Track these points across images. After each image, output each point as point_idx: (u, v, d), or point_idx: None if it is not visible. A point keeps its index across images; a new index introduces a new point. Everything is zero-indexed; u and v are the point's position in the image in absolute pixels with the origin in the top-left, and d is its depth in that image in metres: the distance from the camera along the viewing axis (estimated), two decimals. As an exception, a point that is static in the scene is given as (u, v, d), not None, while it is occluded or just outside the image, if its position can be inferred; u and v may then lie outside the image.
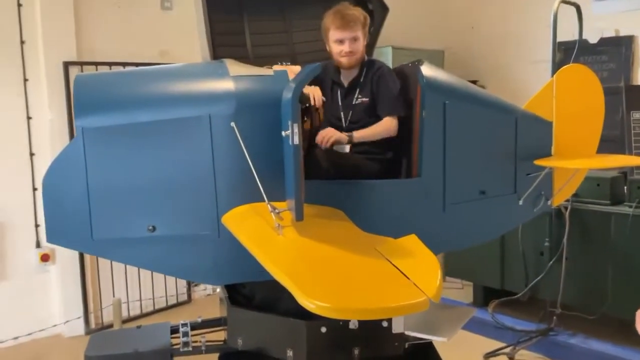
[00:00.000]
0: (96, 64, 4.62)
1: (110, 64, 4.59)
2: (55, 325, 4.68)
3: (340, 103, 2.81)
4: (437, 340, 2.53)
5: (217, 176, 2.33)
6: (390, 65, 2.97)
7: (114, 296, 4.75)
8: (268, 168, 2.22)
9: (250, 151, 2.23)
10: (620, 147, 4.60)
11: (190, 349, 2.61)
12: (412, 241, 1.88)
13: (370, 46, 3.37)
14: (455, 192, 2.68)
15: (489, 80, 7.15)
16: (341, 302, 1.37)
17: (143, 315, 5.05)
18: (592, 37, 5.77)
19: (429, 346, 2.65)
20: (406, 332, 2.48)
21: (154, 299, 5.10)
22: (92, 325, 4.82)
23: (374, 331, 2.43)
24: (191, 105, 2.31)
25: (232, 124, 2.26)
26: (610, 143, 5.09)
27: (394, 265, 1.62)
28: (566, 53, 5.60)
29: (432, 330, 2.49)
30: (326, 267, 1.64)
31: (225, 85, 2.34)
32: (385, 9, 3.36)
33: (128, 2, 4.94)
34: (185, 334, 2.72)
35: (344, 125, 2.78)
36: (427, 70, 2.64)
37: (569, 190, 3.22)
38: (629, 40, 5.57)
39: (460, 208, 2.72)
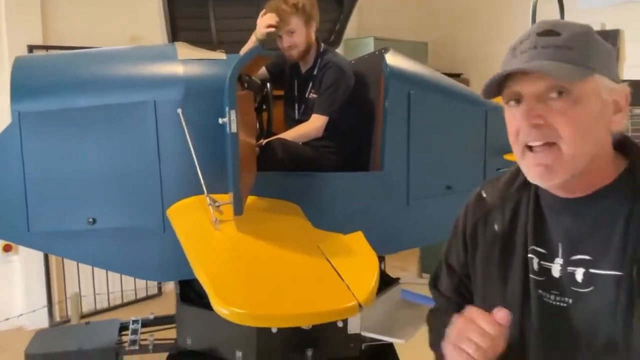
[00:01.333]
0: (63, 48, 4.45)
1: (78, 49, 4.42)
2: (20, 315, 4.53)
3: (296, 94, 2.69)
4: (395, 342, 2.41)
5: (163, 166, 2.19)
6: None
7: (79, 288, 4.62)
8: (217, 158, 2.08)
9: (198, 140, 2.10)
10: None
11: (137, 347, 2.48)
12: (357, 239, 1.75)
13: (338, 33, 3.24)
14: (420, 187, 2.56)
15: (473, 73, 7.03)
16: (260, 309, 1.24)
17: (111, 309, 4.90)
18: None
19: (388, 347, 2.53)
20: (362, 333, 2.36)
21: (122, 291, 4.95)
22: (57, 318, 4.68)
23: (328, 332, 2.31)
24: (135, 90, 2.17)
25: (179, 110, 2.12)
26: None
27: (332, 265, 1.49)
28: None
29: (390, 331, 2.38)
30: (254, 268, 1.51)
31: (173, 69, 2.20)
32: (355, -4, 3.22)
33: (97, -16, 4.77)
34: (135, 332, 2.60)
35: (296, 117, 2.66)
36: (391, 58, 2.51)
37: (541, 186, 3.10)
38: (614, 34, 5.44)
39: (426, 203, 2.60)
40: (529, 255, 1.06)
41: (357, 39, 6.32)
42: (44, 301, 4.58)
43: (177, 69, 2.19)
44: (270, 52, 2.44)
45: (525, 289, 1.05)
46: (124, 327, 2.68)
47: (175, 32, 3.13)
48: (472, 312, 0.97)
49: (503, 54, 1.07)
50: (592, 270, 0.98)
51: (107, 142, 2.17)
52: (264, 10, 2.58)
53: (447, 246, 1.26)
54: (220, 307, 1.19)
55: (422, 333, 2.66)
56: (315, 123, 2.53)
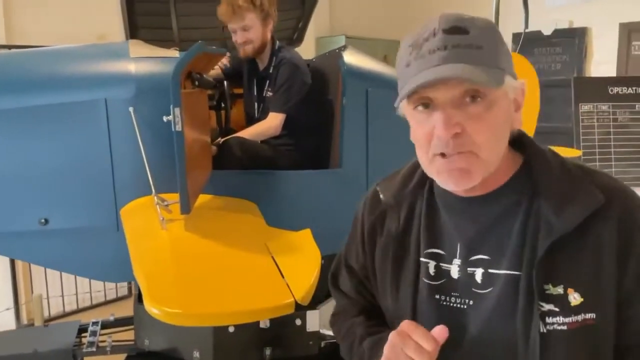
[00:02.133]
0: (27, 47, 4.37)
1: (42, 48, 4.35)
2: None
3: (255, 93, 2.67)
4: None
5: (115, 165, 2.17)
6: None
7: (47, 289, 4.55)
8: (170, 157, 2.06)
9: (150, 138, 2.08)
10: (571, 140, 4.55)
11: (95, 349, 2.45)
12: (304, 237, 1.75)
13: (301, 30, 3.23)
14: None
15: (447, 71, 7.07)
16: (193, 307, 1.23)
17: (80, 311, 4.83)
18: (546, 29, 5.70)
19: (348, 345, 2.52)
20: (322, 331, 2.36)
21: (91, 292, 4.89)
22: (24, 321, 4.60)
23: (286, 330, 2.30)
24: (86, 88, 2.14)
25: (130, 108, 2.10)
26: (563, 136, 5.06)
27: (276, 263, 1.48)
28: (523, 45, 5.54)
29: (349, 329, 2.37)
30: (194, 266, 1.50)
31: (124, 67, 2.18)
32: (317, -7, 3.21)
33: (63, -18, 4.70)
34: (93, 333, 2.57)
35: (255, 115, 2.65)
36: (349, 56, 2.51)
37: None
38: (582, 32, 5.51)
39: (385, 200, 2.60)
40: (424, 259, 1.02)
41: (329, 37, 6.32)
42: (11, 303, 4.50)
43: (128, 67, 2.17)
44: (220, 49, 2.42)
45: (415, 293, 1.01)
46: (83, 329, 2.65)
47: (135, 30, 3.10)
48: (407, 326, 0.91)
49: None
50: (490, 271, 0.95)
51: (58, 141, 2.14)
52: (220, 6, 2.55)
53: (347, 244, 1.21)
54: (152, 307, 1.18)
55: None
56: (272, 121, 2.51)
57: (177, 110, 1.64)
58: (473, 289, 0.96)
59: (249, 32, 2.56)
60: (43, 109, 2.11)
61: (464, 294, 0.97)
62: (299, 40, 3.25)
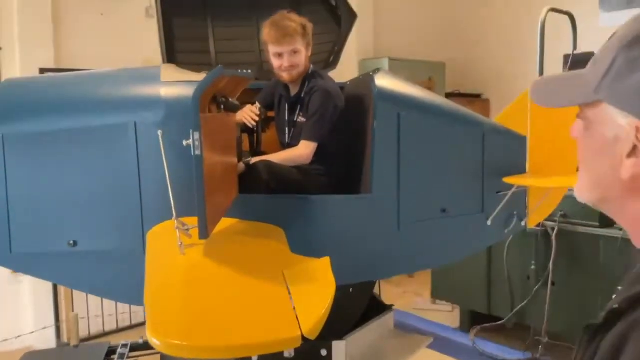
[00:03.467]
0: (74, 70, 4.52)
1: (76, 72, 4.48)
2: (18, 337, 4.54)
3: (286, 118, 2.65)
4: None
5: (144, 188, 2.17)
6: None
7: (87, 308, 4.62)
8: (196, 181, 2.05)
9: (179, 162, 2.08)
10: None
11: (121, 372, 2.45)
12: (322, 265, 1.69)
13: (336, 53, 3.20)
14: (412, 210, 2.48)
15: (493, 93, 6.91)
16: (195, 340, 1.18)
17: (119, 330, 4.89)
18: (598, 49, 5.50)
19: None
20: (348, 362, 2.28)
21: (130, 312, 4.94)
22: (65, 339, 4.68)
23: (311, 360, 2.23)
24: (116, 112, 2.17)
25: (159, 132, 2.10)
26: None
27: (289, 293, 1.43)
28: (574, 66, 5.37)
29: (377, 361, 2.29)
30: (204, 296, 1.46)
31: (154, 91, 2.20)
32: (353, 16, 3.18)
33: (111, 8, 4.84)
34: (122, 356, 2.57)
35: (286, 141, 2.62)
36: (381, 79, 2.46)
37: (546, 210, 2.98)
38: (635, 53, 5.28)
39: (418, 227, 2.51)
40: None
41: (373, 59, 6.28)
42: (52, 321, 4.59)
43: (158, 91, 2.18)
44: (246, 72, 2.41)
45: None
46: (112, 351, 2.65)
47: (173, 54, 3.14)
48: None
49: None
50: None
51: (88, 163, 2.17)
52: (265, 29, 2.53)
53: None
54: (152, 337, 1.14)
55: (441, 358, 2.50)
56: (304, 150, 2.48)
57: (197, 135, 1.62)
58: None
59: (297, 56, 2.55)
60: (74, 132, 2.14)
61: None
62: (334, 63, 3.22)
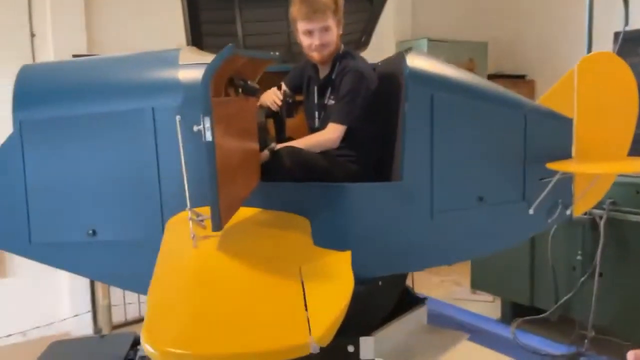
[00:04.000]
0: (107, 56, 4.49)
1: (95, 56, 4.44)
2: (64, 320, 4.59)
3: (315, 101, 2.51)
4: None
5: (163, 176, 2.09)
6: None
7: (124, 295, 4.63)
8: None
9: (198, 149, 1.98)
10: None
11: (145, 363, 2.39)
12: (342, 260, 1.56)
13: (369, 33, 3.06)
14: (446, 198, 2.33)
15: (539, 74, 6.61)
16: (192, 347, 1.08)
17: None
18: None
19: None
20: (376, 359, 2.16)
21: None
22: (101, 324, 4.71)
23: (338, 357, 2.12)
24: (133, 97, 2.09)
25: (177, 117, 2.01)
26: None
27: (304, 292, 1.31)
28: (625, 44, 5.05)
29: (408, 358, 2.16)
30: (210, 296, 1.35)
31: (172, 74, 2.10)
32: (385, -6, 3.02)
33: (144, -6, 4.79)
34: (147, 347, 2.51)
35: (315, 125, 2.49)
36: (412, 59, 2.30)
37: (593, 197, 2.77)
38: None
39: (453, 216, 2.36)
40: None
41: (411, 40, 6.07)
42: (89, 307, 4.62)
43: (176, 74, 2.09)
44: (265, 54, 2.29)
45: None
46: (138, 342, 2.61)
47: (200, 38, 3.05)
48: None
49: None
50: None
51: (106, 150, 2.10)
52: (294, 5, 2.40)
53: None
54: (147, 345, 1.04)
55: (481, 350, 2.36)
56: (331, 133, 2.35)
57: (207, 120, 1.51)
58: None
59: (328, 34, 2.40)
60: (91, 118, 2.07)
61: None
62: (366, 43, 3.08)
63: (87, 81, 2.16)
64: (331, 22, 2.39)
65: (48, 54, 4.39)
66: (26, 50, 4.36)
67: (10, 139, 2.13)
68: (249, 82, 1.96)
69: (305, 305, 1.23)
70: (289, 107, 2.62)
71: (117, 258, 2.14)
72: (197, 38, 3.02)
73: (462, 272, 5.11)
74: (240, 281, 1.41)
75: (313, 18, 2.35)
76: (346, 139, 2.39)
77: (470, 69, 5.69)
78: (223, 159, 1.61)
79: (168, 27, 4.86)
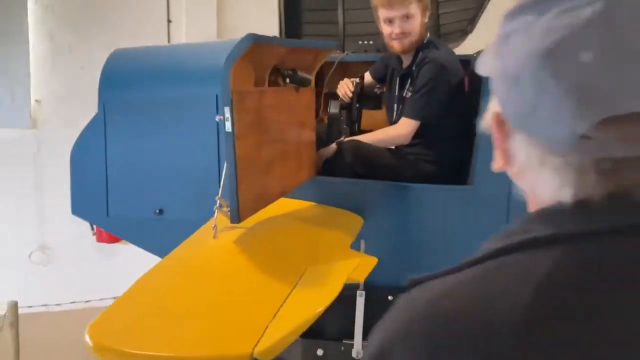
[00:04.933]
0: (235, 41, 4.67)
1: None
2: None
3: (396, 93, 2.37)
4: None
5: (222, 161, 2.12)
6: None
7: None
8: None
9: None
10: None
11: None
12: (349, 267, 1.45)
13: (472, 21, 2.83)
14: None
15: None
16: (129, 345, 1.06)
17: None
18: None
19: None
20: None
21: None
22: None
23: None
24: (202, 83, 2.14)
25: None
26: None
27: (286, 299, 1.24)
28: None
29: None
30: (186, 293, 1.32)
31: (237, 62, 2.11)
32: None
33: (274, -20, 4.90)
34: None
35: (394, 118, 2.35)
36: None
37: None
38: None
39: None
40: None
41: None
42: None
43: (241, 62, 2.09)
44: (319, 42, 2.20)
45: None
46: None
47: (299, 26, 3.04)
48: None
49: None
50: None
51: (174, 133, 2.19)
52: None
53: None
54: (87, 337, 1.05)
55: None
56: (402, 128, 2.21)
57: (227, 110, 1.49)
58: None
59: (409, 22, 2.25)
60: (164, 101, 2.17)
61: None
62: (471, 32, 2.86)
63: (165, 66, 2.25)
64: (414, 10, 2.24)
65: (181, 39, 4.68)
66: (162, 35, 4.67)
67: (94, 118, 2.29)
68: (298, 72, 1.89)
69: (276, 313, 1.16)
70: (374, 98, 2.52)
71: (181, 237, 2.23)
72: (297, 25, 3.02)
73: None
74: (223, 280, 1.38)
75: (393, 5, 2.22)
76: (422, 135, 2.23)
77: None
78: (248, 149, 1.58)
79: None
